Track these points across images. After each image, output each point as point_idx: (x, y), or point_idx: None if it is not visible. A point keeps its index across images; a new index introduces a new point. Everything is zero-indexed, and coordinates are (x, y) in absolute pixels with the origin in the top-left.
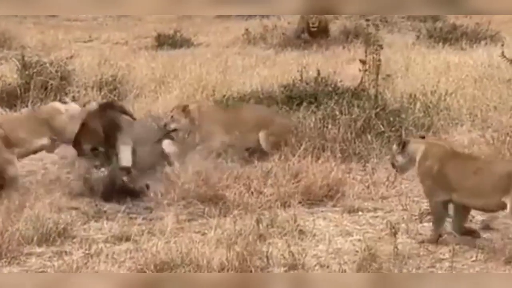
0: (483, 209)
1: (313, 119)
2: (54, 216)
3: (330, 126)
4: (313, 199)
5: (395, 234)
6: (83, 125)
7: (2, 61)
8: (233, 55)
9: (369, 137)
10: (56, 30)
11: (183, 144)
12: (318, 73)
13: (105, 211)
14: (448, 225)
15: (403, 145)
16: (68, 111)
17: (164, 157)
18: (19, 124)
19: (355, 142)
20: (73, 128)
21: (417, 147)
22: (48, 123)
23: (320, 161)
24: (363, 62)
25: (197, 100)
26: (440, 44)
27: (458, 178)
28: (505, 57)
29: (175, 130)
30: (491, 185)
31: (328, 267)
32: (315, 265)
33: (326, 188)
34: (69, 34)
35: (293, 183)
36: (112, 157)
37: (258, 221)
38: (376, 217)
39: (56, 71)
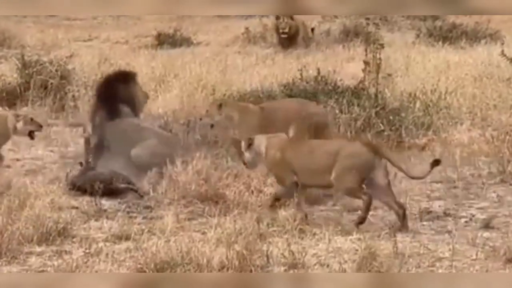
0: (319, 187)
1: None
2: (54, 215)
3: None
4: (313, 198)
5: (394, 233)
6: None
7: (2, 60)
8: (233, 54)
9: (369, 136)
10: (56, 29)
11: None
12: (318, 72)
13: (105, 210)
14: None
15: (249, 143)
16: None
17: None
18: None
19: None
20: None
21: (260, 142)
22: None
23: None
24: (366, 63)
25: (233, 99)
26: (440, 43)
27: (297, 161)
28: (505, 56)
29: (211, 126)
30: (322, 163)
31: (328, 266)
32: (315, 264)
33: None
34: (69, 33)
35: None
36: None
37: (258, 220)
38: (376, 216)
39: (56, 70)
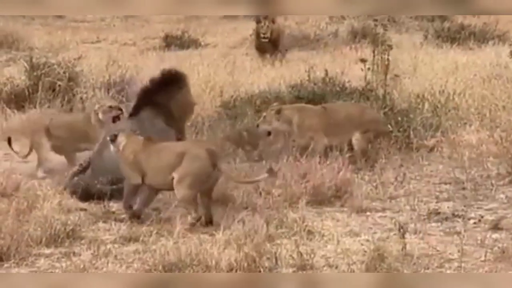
0: (164, 188)
1: None
2: (62, 217)
3: None
4: (321, 199)
5: (403, 234)
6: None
7: (10, 62)
8: (241, 55)
9: None
10: (64, 31)
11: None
12: (326, 74)
13: (113, 212)
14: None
15: (112, 139)
16: None
17: None
18: None
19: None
20: None
21: (121, 140)
22: None
23: (328, 161)
24: (364, 61)
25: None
26: (448, 44)
27: (146, 162)
28: None
29: (269, 133)
30: (166, 162)
31: (336, 267)
32: (324, 266)
33: (334, 189)
34: (77, 35)
35: (301, 184)
36: None
37: (266, 222)
38: (384, 217)
39: (64, 72)
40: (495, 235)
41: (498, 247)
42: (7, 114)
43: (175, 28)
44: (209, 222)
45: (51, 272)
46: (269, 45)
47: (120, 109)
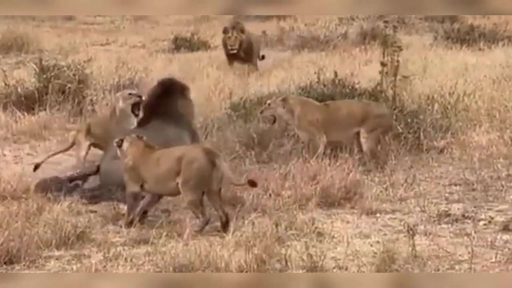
0: (165, 194)
1: None
2: (72, 219)
3: None
4: (331, 201)
5: (413, 235)
6: None
7: (20, 65)
8: None
9: (387, 138)
10: (74, 34)
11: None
12: (336, 75)
13: (123, 214)
14: None
15: (119, 143)
16: None
17: None
18: None
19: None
20: None
21: (126, 144)
22: None
23: (338, 163)
24: (383, 64)
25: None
26: (458, 45)
27: (145, 169)
28: None
29: (274, 119)
30: (167, 170)
31: (346, 269)
32: (334, 267)
33: (344, 190)
34: (87, 38)
35: (311, 185)
36: None
37: (276, 224)
38: (394, 218)
39: (74, 75)
40: (505, 236)
41: (509, 249)
42: (17, 117)
43: (184, 30)
44: (226, 223)
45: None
46: (239, 55)
47: (140, 96)
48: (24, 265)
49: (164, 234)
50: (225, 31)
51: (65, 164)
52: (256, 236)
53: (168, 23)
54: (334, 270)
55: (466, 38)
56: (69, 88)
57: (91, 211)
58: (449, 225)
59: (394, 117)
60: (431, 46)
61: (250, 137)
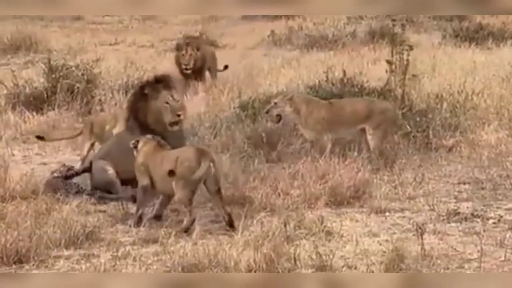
0: (169, 194)
1: None
2: (81, 219)
3: None
4: (340, 200)
5: (422, 234)
6: None
7: (29, 65)
8: (259, 56)
9: (395, 137)
10: (82, 34)
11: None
12: (344, 74)
13: (132, 214)
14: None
15: (135, 144)
16: None
17: None
18: None
19: (381, 143)
20: None
21: (140, 146)
22: None
23: (346, 162)
24: (389, 63)
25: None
26: (467, 43)
27: (153, 169)
28: None
29: (279, 118)
30: (166, 170)
31: (355, 268)
32: (343, 266)
33: (353, 189)
34: (95, 37)
35: (320, 184)
36: None
37: (285, 223)
38: (403, 217)
39: (82, 75)
40: None
41: None
42: (25, 117)
43: (192, 29)
44: (230, 224)
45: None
46: (192, 74)
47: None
48: (33, 264)
49: (173, 233)
50: (178, 48)
51: (72, 164)
52: (265, 235)
53: (176, 23)
54: (343, 269)
55: (475, 36)
56: (78, 88)
57: (100, 211)
58: (458, 224)
59: (403, 115)
60: (439, 45)
61: (259, 136)
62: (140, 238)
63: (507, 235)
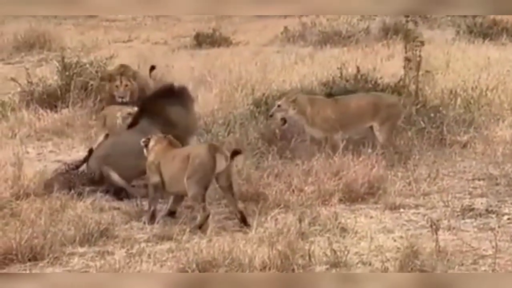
0: (180, 193)
1: None
2: (96, 216)
3: None
4: (354, 196)
5: (437, 230)
6: None
7: (43, 62)
8: (272, 53)
9: (409, 133)
10: (96, 31)
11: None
12: (358, 70)
13: (146, 211)
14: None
15: (146, 142)
16: None
17: None
18: None
19: (396, 139)
20: None
21: (151, 144)
22: None
23: (361, 158)
24: (408, 59)
25: (306, 93)
26: (481, 39)
27: (164, 168)
28: None
29: (284, 120)
30: (179, 168)
31: (370, 264)
32: (357, 263)
33: (367, 185)
34: (109, 35)
35: (334, 181)
36: None
37: (299, 219)
38: (418, 213)
39: (96, 72)
40: None
41: None
42: (39, 114)
43: (206, 26)
44: (243, 220)
45: (85, 271)
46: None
47: None
48: (48, 262)
49: (187, 230)
50: (110, 78)
51: None
52: (280, 232)
53: (189, 20)
54: (358, 266)
55: (489, 32)
56: (91, 85)
57: (114, 208)
58: (473, 220)
59: (417, 111)
60: (453, 41)
61: (272, 133)
62: (154, 235)
63: None
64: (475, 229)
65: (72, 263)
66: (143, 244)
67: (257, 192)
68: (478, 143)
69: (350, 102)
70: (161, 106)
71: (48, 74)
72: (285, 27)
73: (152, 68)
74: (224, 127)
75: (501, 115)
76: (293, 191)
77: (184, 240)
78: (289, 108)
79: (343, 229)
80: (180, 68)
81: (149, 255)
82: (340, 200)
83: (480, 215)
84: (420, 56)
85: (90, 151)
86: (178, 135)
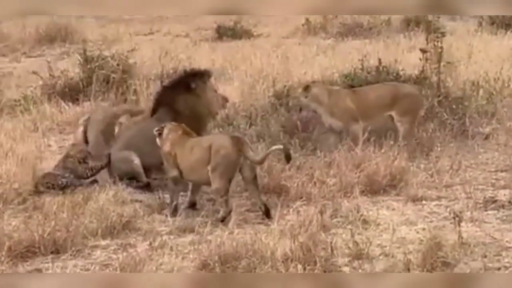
0: (201, 183)
1: None
2: (118, 209)
3: None
4: (376, 188)
5: (459, 222)
6: None
7: (64, 55)
8: (294, 45)
9: (432, 125)
10: (117, 24)
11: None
12: (379, 62)
13: (168, 204)
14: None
15: (160, 131)
16: None
17: None
18: None
19: (418, 131)
20: None
21: (165, 132)
22: None
23: (382, 150)
24: (424, 51)
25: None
26: (503, 30)
27: (181, 157)
28: None
29: (300, 108)
30: (198, 158)
31: (392, 256)
32: (380, 255)
33: (389, 177)
34: (130, 28)
35: (356, 173)
36: None
37: (321, 212)
38: (440, 205)
39: (118, 65)
40: None
41: None
42: (61, 107)
43: (227, 19)
44: (267, 213)
45: (108, 264)
46: None
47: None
48: (70, 255)
49: (209, 223)
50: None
51: None
52: (301, 224)
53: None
54: (380, 258)
55: (511, 23)
56: (113, 78)
57: (136, 201)
58: (496, 211)
59: (439, 103)
60: (475, 32)
61: (294, 125)
62: (176, 227)
63: None
64: (498, 221)
65: (94, 255)
66: (165, 237)
67: (279, 185)
68: (500, 134)
69: (369, 92)
70: (171, 97)
71: (70, 67)
72: (307, 19)
73: None
74: (245, 119)
75: None
76: (315, 183)
77: (206, 232)
78: (300, 97)
79: (365, 221)
80: (202, 61)
81: (171, 247)
82: (362, 192)
83: (503, 206)
84: (441, 47)
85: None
86: (191, 123)
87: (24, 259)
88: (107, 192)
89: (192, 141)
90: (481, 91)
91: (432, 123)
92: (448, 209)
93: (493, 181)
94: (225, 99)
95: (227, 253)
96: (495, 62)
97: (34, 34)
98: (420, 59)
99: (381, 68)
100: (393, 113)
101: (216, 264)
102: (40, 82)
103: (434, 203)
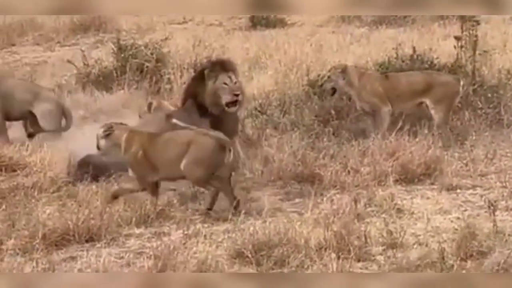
0: (177, 178)
1: None
2: (151, 197)
3: None
4: (411, 177)
5: (494, 211)
6: None
7: (98, 44)
8: (327, 34)
9: (466, 114)
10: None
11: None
12: (414, 50)
13: (202, 192)
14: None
15: (108, 132)
16: None
17: None
18: None
19: (452, 119)
20: None
21: (120, 134)
22: None
23: (417, 139)
24: (458, 38)
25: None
26: None
27: (156, 155)
28: None
29: (334, 90)
30: (174, 154)
31: (427, 245)
32: (414, 244)
33: (424, 166)
34: (164, 16)
35: (390, 162)
36: None
37: (355, 200)
38: (475, 194)
39: (151, 54)
40: None
41: None
42: (95, 96)
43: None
44: (236, 208)
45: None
46: None
47: None
48: (105, 243)
49: (243, 211)
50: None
51: None
52: (335, 213)
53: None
54: (414, 247)
55: None
56: (147, 67)
57: (170, 189)
58: None
59: (474, 92)
60: (510, 20)
61: (328, 114)
62: (210, 216)
63: None
64: None
65: (128, 244)
66: (199, 225)
67: (313, 173)
68: None
69: (401, 78)
70: (195, 88)
71: (103, 56)
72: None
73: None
74: (279, 108)
75: None
76: (349, 172)
77: (239, 221)
78: (339, 79)
79: (399, 210)
80: (235, 50)
81: (205, 236)
82: (396, 181)
83: None
84: (476, 36)
85: None
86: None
87: (58, 247)
88: None
89: (164, 137)
90: None
91: (467, 111)
92: (483, 198)
93: None
94: (234, 93)
95: (260, 241)
96: None
97: (68, 23)
98: (455, 47)
99: (415, 56)
100: (426, 101)
101: (250, 253)
102: (74, 71)
103: (468, 192)
